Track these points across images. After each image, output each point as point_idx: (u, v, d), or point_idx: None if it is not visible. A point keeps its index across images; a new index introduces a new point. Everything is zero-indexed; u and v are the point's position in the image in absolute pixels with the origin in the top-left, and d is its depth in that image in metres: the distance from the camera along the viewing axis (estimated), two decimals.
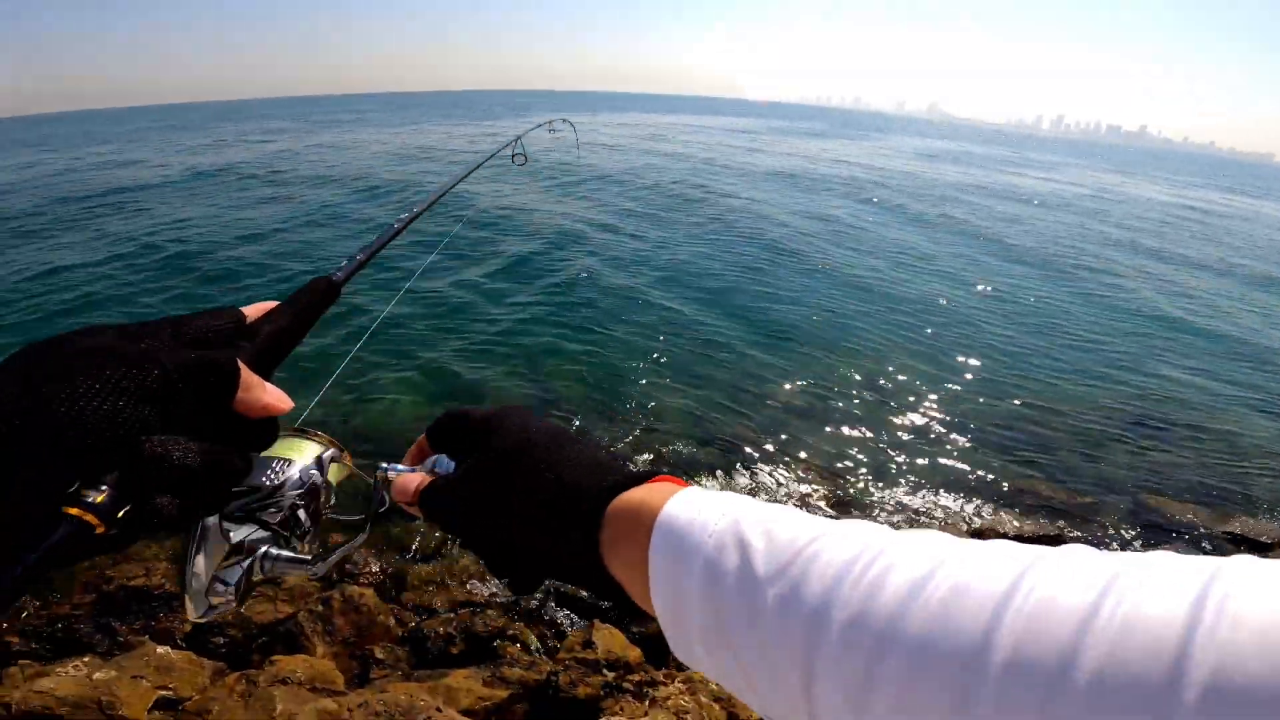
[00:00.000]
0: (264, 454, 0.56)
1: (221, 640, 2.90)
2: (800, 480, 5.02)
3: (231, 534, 0.51)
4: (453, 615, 3.32)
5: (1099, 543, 4.61)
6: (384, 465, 0.58)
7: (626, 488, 0.46)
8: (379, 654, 2.97)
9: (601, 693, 2.53)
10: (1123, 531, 4.76)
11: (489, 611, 3.42)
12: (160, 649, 2.64)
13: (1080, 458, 5.60)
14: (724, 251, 11.25)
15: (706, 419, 5.74)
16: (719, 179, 19.91)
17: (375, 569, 3.72)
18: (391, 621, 3.20)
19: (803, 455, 5.32)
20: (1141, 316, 9.73)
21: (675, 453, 5.20)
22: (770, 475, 5.05)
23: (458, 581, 3.70)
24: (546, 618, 3.60)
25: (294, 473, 0.55)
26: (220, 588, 0.50)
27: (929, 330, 8.16)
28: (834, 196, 18.15)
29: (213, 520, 0.50)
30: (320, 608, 3.07)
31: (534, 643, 3.40)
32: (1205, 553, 4.57)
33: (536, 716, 2.53)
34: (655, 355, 6.92)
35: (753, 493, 4.72)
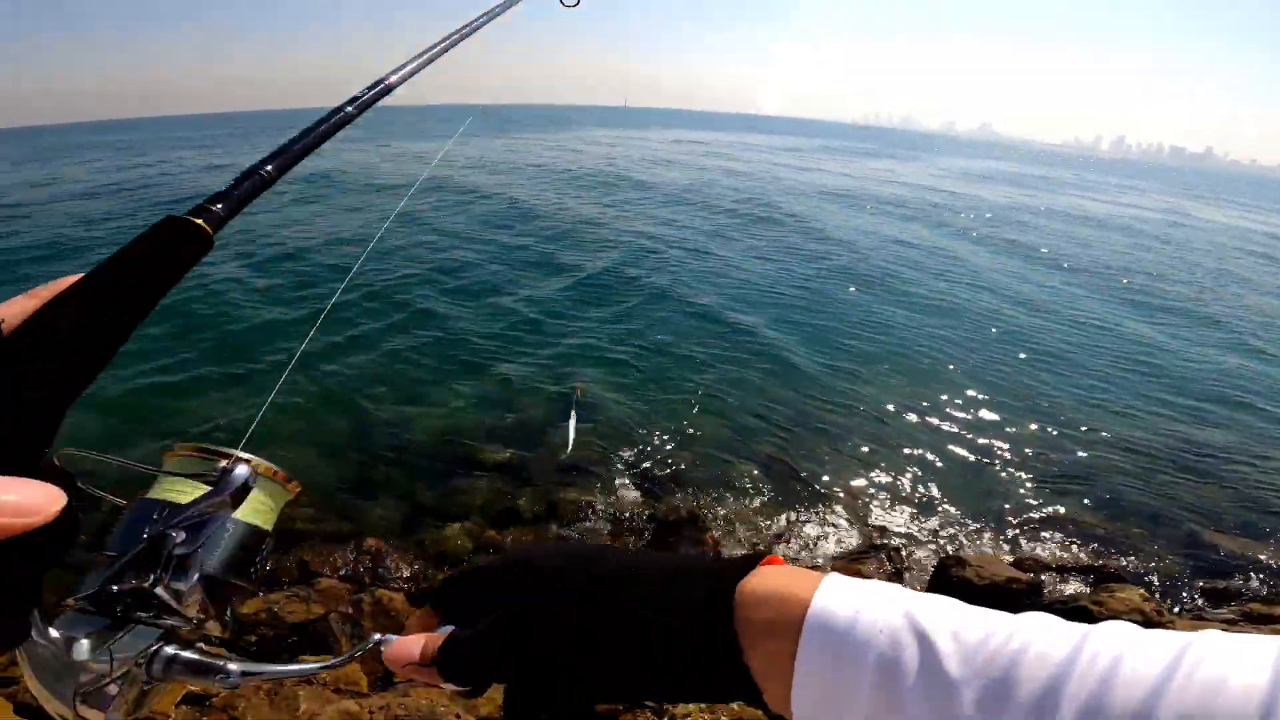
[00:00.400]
0: (144, 495, 0.41)
1: (254, 638, 2.95)
2: (849, 506, 4.92)
3: (77, 643, 0.36)
4: None
5: (1151, 575, 4.41)
6: (377, 636, 0.45)
7: (746, 572, 0.41)
8: None
9: (620, 707, 2.50)
10: (1175, 565, 4.54)
11: None
12: None
13: (1132, 490, 5.38)
14: (787, 270, 11.24)
15: (752, 438, 5.69)
16: (785, 198, 19.84)
17: (407, 573, 3.74)
18: None
19: (854, 481, 5.22)
20: (1222, 349, 9.35)
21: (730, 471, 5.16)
22: (817, 502, 4.96)
23: None
24: None
25: (185, 518, 0.39)
26: None
27: (993, 355, 7.97)
28: (906, 220, 17.92)
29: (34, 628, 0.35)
30: (350, 610, 3.10)
31: None
32: (1264, 585, 4.33)
33: None
34: (708, 372, 6.90)
35: (796, 520, 4.68)
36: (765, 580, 0.40)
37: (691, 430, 5.77)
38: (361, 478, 4.90)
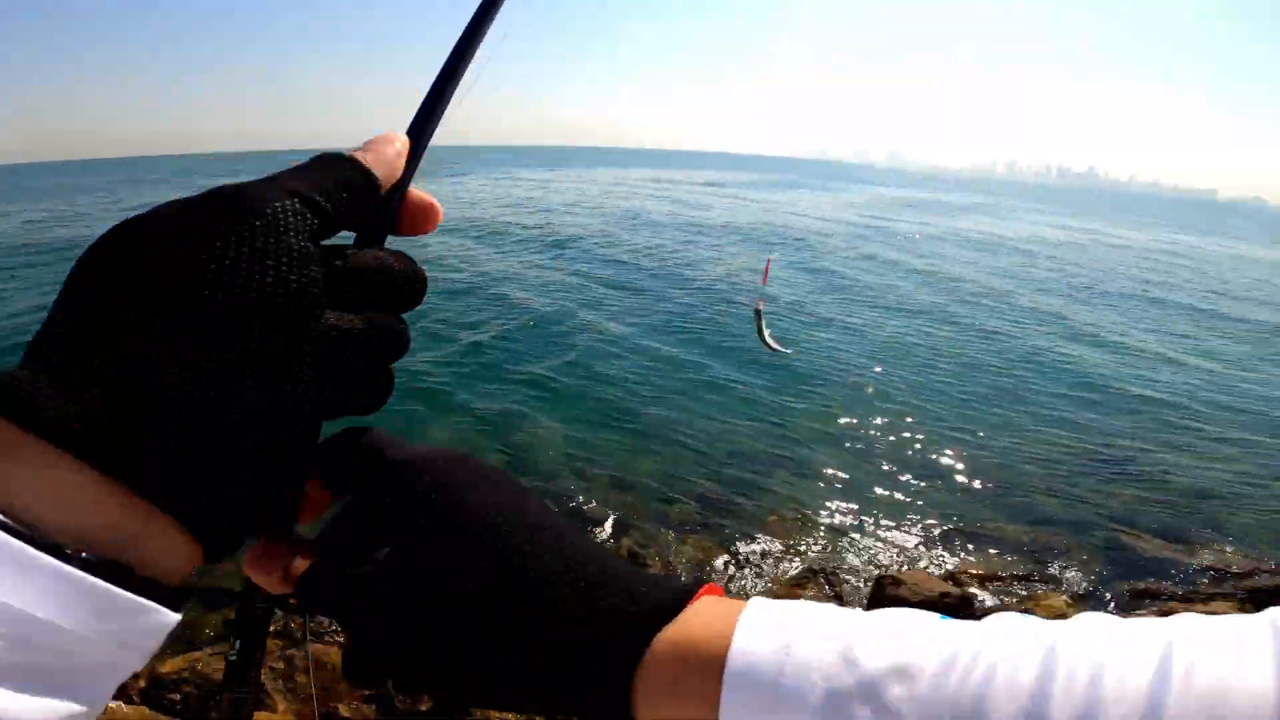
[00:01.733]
0: None
1: (177, 696, 2.78)
2: (786, 534, 5.03)
3: None
4: None
5: (1074, 581, 4.64)
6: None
7: (673, 614, 0.35)
8: (344, 712, 2.87)
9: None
10: (1095, 570, 4.79)
11: None
12: (114, 703, 2.53)
13: (1051, 498, 5.69)
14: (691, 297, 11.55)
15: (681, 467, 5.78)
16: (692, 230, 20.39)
17: (336, 628, 3.62)
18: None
19: (788, 509, 5.34)
20: (1098, 355, 10.02)
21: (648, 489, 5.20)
22: (754, 532, 5.05)
23: None
24: None
25: None
26: None
27: (900, 373, 8.34)
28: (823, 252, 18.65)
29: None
30: (283, 665, 2.98)
31: None
32: (1181, 584, 4.61)
33: None
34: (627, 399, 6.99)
35: (735, 552, 4.74)
36: (678, 627, 0.34)
37: (624, 466, 5.82)
38: None
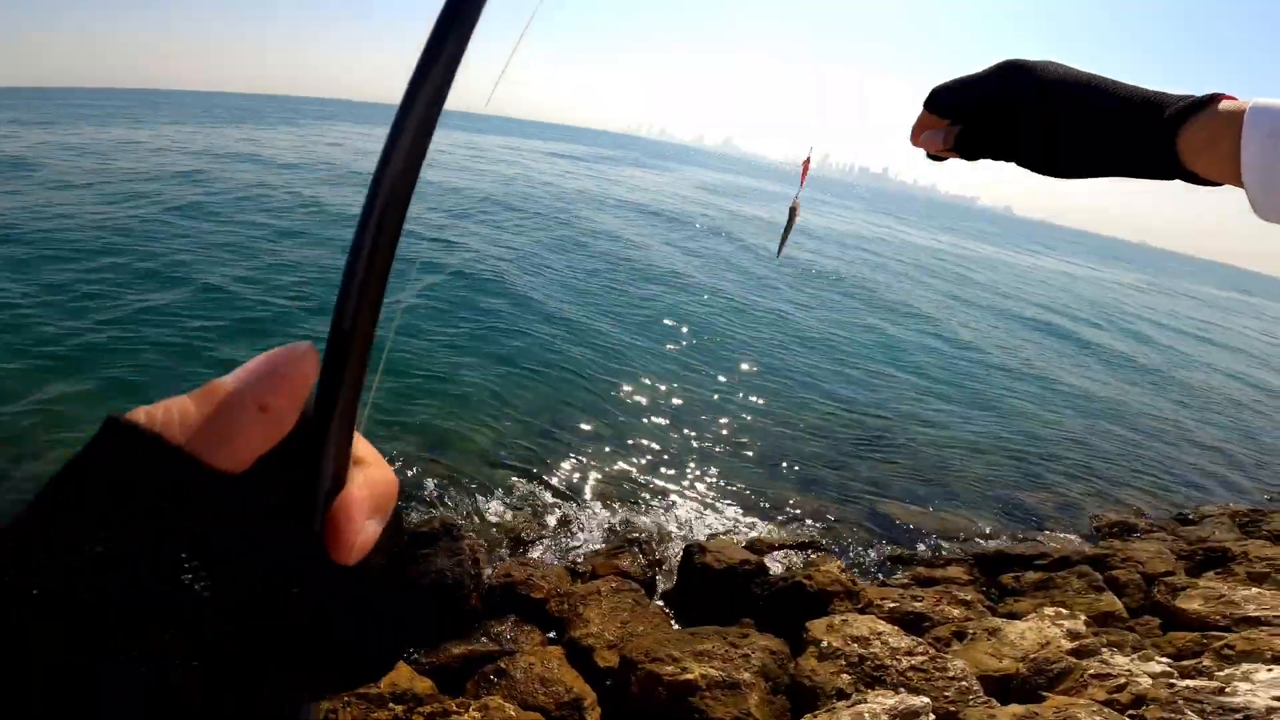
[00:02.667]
0: None
1: None
2: (601, 507, 5.06)
3: None
4: None
5: (846, 548, 5.25)
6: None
7: (1200, 109, 0.54)
8: None
9: None
10: (862, 536, 5.46)
11: None
12: None
13: (824, 468, 6.38)
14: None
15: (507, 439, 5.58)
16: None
17: None
18: None
19: (604, 484, 5.41)
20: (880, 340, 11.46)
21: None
22: (572, 505, 5.03)
23: None
24: None
25: None
26: None
27: (691, 346, 8.82)
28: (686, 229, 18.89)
29: None
30: None
31: None
32: (927, 550, 5.42)
33: None
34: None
35: (554, 525, 4.68)
36: (1202, 118, 0.54)
37: (439, 438, 5.52)
38: None
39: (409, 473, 4.89)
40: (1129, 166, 0.57)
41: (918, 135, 0.69)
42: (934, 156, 0.70)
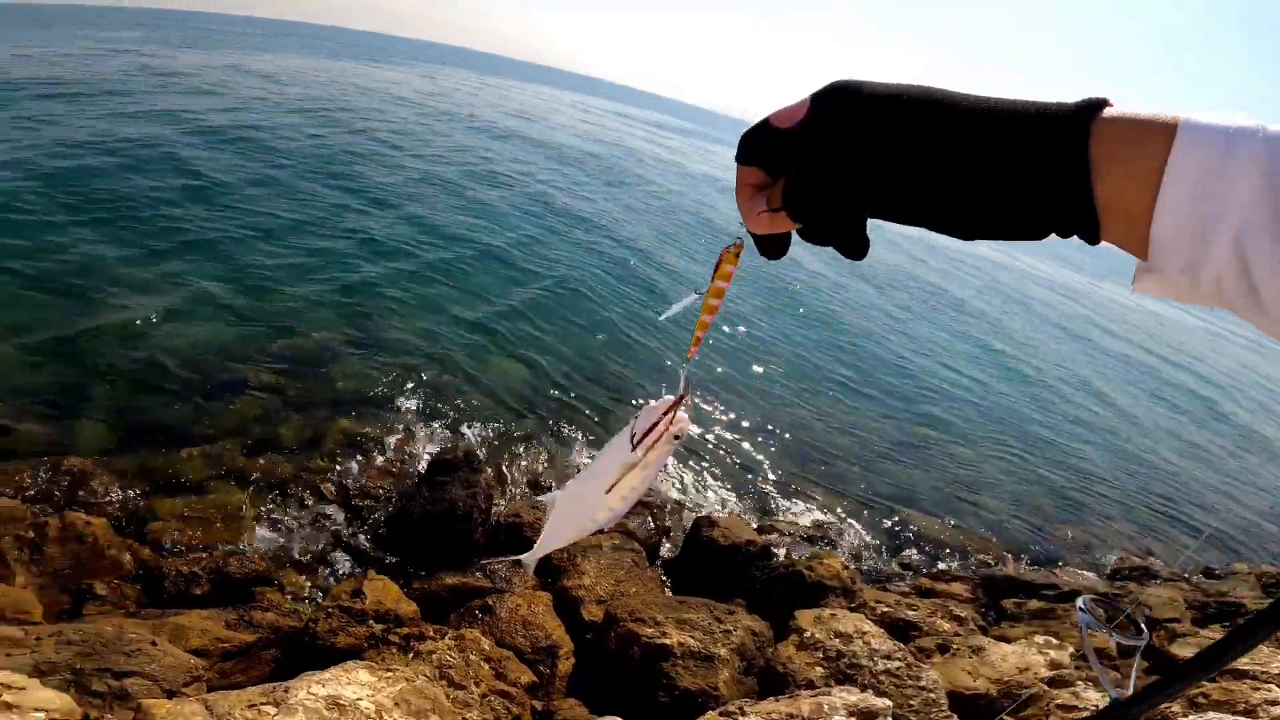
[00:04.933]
0: None
1: None
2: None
3: None
4: (205, 555, 2.97)
5: (855, 547, 5.20)
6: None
7: (1098, 110, 0.39)
8: (100, 589, 2.58)
9: (365, 644, 2.39)
10: (873, 539, 5.39)
11: (251, 554, 3.11)
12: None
13: (852, 470, 6.28)
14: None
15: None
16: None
17: (116, 497, 3.23)
18: (126, 556, 2.79)
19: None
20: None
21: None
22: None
23: (224, 519, 3.32)
24: (322, 566, 3.35)
25: None
26: None
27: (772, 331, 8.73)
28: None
29: None
30: (31, 534, 2.61)
31: (304, 589, 3.15)
32: (934, 563, 5.32)
33: (287, 663, 2.33)
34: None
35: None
36: (1119, 112, 0.38)
37: (481, 373, 5.67)
38: (77, 389, 4.14)
39: (445, 407, 5.06)
40: (1025, 196, 0.40)
41: (743, 203, 0.48)
42: (766, 242, 0.49)
